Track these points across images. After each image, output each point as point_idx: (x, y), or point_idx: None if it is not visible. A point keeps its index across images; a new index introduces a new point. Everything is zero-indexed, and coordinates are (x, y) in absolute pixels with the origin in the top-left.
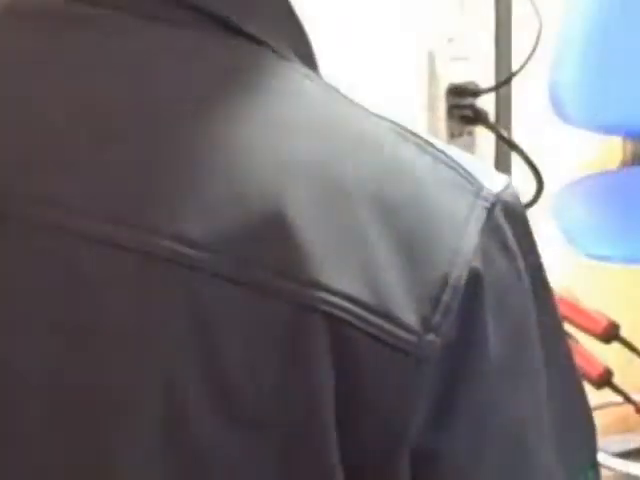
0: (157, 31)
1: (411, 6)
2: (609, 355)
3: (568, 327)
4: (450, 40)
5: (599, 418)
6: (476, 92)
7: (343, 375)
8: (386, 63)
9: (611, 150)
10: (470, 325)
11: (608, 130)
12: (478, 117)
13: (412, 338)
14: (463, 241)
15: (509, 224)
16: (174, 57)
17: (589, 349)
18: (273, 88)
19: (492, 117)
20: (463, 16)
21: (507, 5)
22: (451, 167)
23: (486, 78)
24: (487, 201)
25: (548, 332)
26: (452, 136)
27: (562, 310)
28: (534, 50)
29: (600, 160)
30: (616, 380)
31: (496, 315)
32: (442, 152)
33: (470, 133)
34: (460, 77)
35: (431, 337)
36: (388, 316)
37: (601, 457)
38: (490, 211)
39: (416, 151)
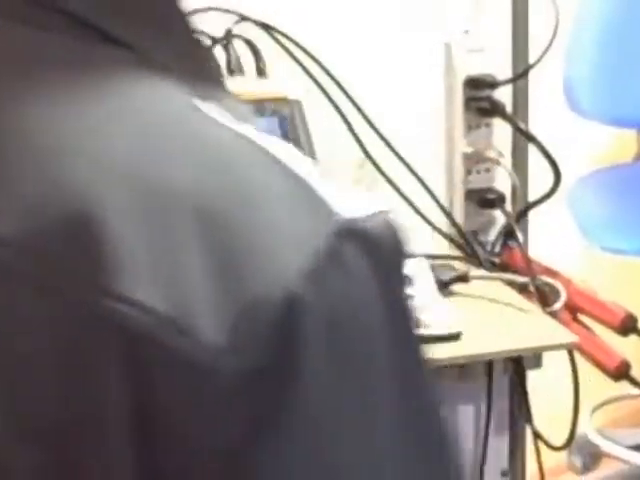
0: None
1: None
2: (626, 347)
3: (585, 319)
4: (467, 32)
5: (616, 411)
6: (493, 84)
7: (139, 390)
8: (403, 56)
9: (626, 143)
10: (285, 353)
11: (623, 123)
12: (495, 109)
13: (210, 359)
14: (290, 264)
15: (364, 252)
16: (11, 54)
17: (606, 341)
18: (107, 89)
19: (509, 109)
20: (479, 8)
21: None
22: (302, 188)
23: (503, 70)
24: (334, 226)
25: (407, 371)
26: (469, 128)
27: (579, 302)
28: (551, 42)
29: (614, 153)
30: (633, 372)
31: (328, 347)
32: (297, 175)
33: (487, 125)
34: (477, 69)
35: (233, 360)
36: (188, 333)
37: (617, 450)
38: (335, 236)
39: (268, 171)
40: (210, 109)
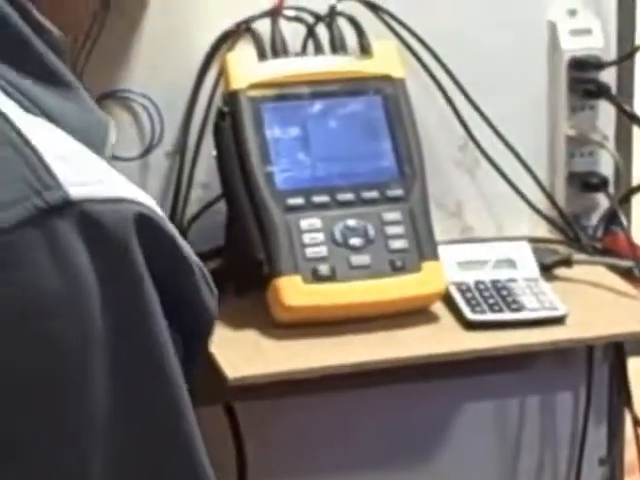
0: None
1: None
2: None
3: None
4: (571, 12)
5: None
6: (599, 65)
7: None
8: (506, 35)
9: None
10: None
11: None
12: (600, 91)
13: None
14: None
15: (84, 235)
16: None
17: None
18: None
19: (614, 91)
20: None
21: None
22: (25, 160)
23: (608, 51)
24: (46, 202)
25: (136, 372)
26: (573, 110)
27: None
28: None
29: None
30: None
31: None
32: (30, 145)
33: (592, 107)
34: (582, 50)
35: None
36: None
37: None
38: (44, 211)
39: None
40: None
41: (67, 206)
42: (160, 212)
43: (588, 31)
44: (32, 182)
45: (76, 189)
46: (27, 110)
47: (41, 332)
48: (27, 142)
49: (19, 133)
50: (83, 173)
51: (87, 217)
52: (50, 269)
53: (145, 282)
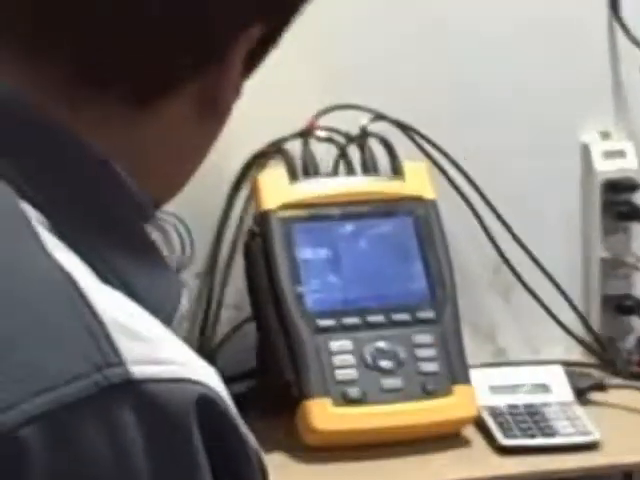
0: None
1: (563, 100)
2: None
3: None
4: (604, 135)
5: None
6: (633, 187)
7: None
8: (539, 158)
9: None
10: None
11: None
12: (634, 213)
13: None
14: (25, 406)
15: (140, 417)
16: None
17: None
18: None
19: None
20: (619, 109)
21: None
22: (88, 330)
23: None
24: (107, 379)
25: None
26: (607, 232)
27: None
28: None
29: None
30: None
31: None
32: (97, 318)
33: (625, 229)
34: (616, 172)
35: None
36: None
37: None
38: (104, 390)
39: (62, 304)
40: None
41: (127, 385)
42: (225, 396)
43: (621, 153)
44: (95, 356)
45: (139, 368)
46: (106, 280)
47: None
48: (95, 314)
49: (87, 303)
50: (149, 350)
51: (146, 397)
52: (100, 444)
53: (202, 468)
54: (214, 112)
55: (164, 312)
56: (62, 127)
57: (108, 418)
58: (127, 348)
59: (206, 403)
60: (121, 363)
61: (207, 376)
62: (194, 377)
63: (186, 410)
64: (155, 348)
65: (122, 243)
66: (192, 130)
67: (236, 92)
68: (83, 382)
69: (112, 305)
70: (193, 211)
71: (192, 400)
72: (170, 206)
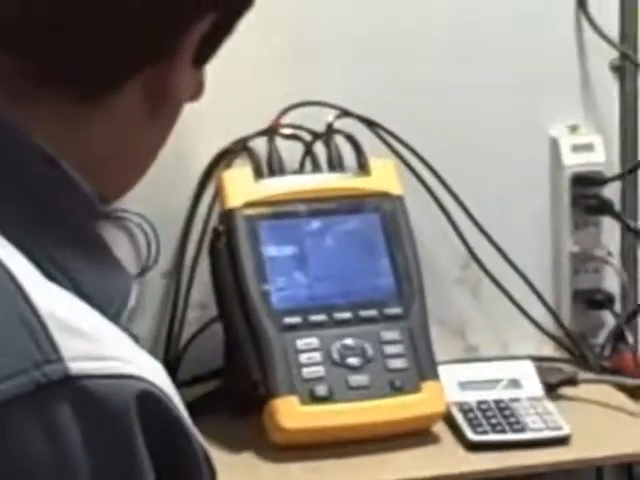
0: None
1: (531, 95)
2: None
3: None
4: (573, 129)
5: None
6: (602, 181)
7: None
8: (507, 152)
9: None
10: None
11: None
12: (604, 207)
13: None
14: None
15: (79, 413)
16: None
17: None
18: None
19: (618, 207)
20: (587, 103)
21: (633, 91)
22: (27, 326)
23: (611, 166)
24: (46, 376)
25: None
26: (576, 226)
27: None
28: None
29: None
30: None
31: None
32: (37, 315)
33: (595, 223)
34: (584, 166)
35: None
36: None
37: None
38: (42, 387)
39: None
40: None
41: (65, 381)
42: (170, 392)
43: (590, 147)
44: (33, 353)
45: (77, 364)
46: (52, 277)
47: None
48: (34, 310)
49: (27, 299)
50: (89, 347)
51: (84, 393)
52: (38, 441)
53: (142, 460)
54: (164, 108)
55: (113, 307)
56: (10, 125)
57: (46, 415)
58: (66, 345)
59: (148, 399)
60: (60, 360)
61: (152, 372)
62: (136, 373)
63: (126, 406)
64: (96, 344)
65: (69, 240)
66: (143, 126)
67: (188, 87)
68: (21, 379)
69: (53, 302)
70: (159, 210)
71: (132, 396)
72: (135, 205)
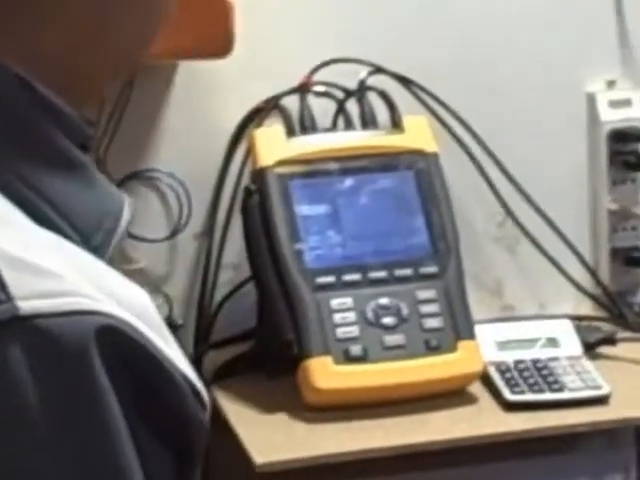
0: None
1: (568, 50)
2: None
3: None
4: (610, 84)
5: None
6: (639, 136)
7: None
8: (544, 107)
9: None
10: None
11: None
12: None
13: None
14: None
15: (29, 354)
16: None
17: None
18: None
19: None
20: (625, 58)
21: None
22: None
23: None
24: None
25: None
26: (614, 183)
27: None
28: None
29: None
30: None
31: None
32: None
33: (633, 180)
34: (622, 121)
35: None
36: None
37: None
38: None
39: None
40: None
41: (15, 321)
42: (134, 322)
43: (627, 102)
44: None
45: (28, 303)
46: (25, 200)
47: None
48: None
49: None
50: (43, 284)
51: (35, 333)
52: None
53: (104, 400)
54: None
55: (101, 230)
56: None
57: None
58: (17, 283)
59: (110, 334)
60: (8, 299)
61: (127, 305)
62: (95, 307)
63: (83, 343)
64: (54, 280)
65: (44, 160)
66: None
67: None
68: None
69: (7, 238)
70: (190, 170)
71: (90, 332)
72: (167, 166)
